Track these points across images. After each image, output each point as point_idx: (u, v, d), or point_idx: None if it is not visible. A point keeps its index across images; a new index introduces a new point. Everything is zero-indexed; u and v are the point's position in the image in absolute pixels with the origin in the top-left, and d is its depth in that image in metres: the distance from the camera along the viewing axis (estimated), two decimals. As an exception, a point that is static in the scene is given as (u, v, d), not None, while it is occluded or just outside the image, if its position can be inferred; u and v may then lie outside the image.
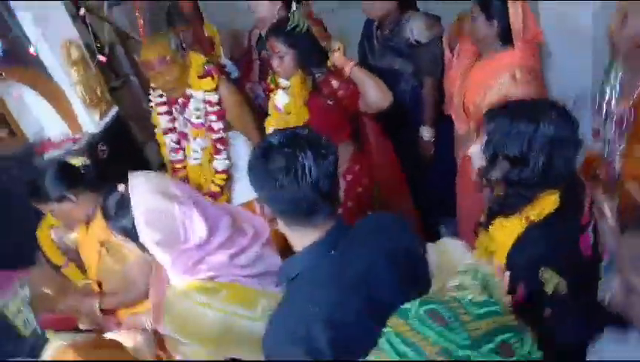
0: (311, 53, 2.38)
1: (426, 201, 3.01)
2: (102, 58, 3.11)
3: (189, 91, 2.61)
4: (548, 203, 1.53)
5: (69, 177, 2.22)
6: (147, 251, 1.68)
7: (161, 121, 2.77)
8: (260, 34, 3.05)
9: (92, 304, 2.25)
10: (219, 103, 2.61)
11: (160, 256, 1.67)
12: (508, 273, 1.28)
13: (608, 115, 2.22)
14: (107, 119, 3.20)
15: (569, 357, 1.42)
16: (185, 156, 2.76)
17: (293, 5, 2.47)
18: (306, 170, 1.24)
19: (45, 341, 1.62)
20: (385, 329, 0.96)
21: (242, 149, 2.74)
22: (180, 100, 2.66)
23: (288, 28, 2.35)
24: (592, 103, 2.37)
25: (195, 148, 2.70)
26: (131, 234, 1.67)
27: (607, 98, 2.23)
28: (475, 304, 0.93)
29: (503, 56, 2.37)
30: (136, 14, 3.21)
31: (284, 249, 1.56)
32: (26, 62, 2.88)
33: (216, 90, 2.59)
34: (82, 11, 3.04)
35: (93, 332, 2.25)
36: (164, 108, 2.75)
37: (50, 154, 2.92)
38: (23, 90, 2.96)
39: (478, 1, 2.36)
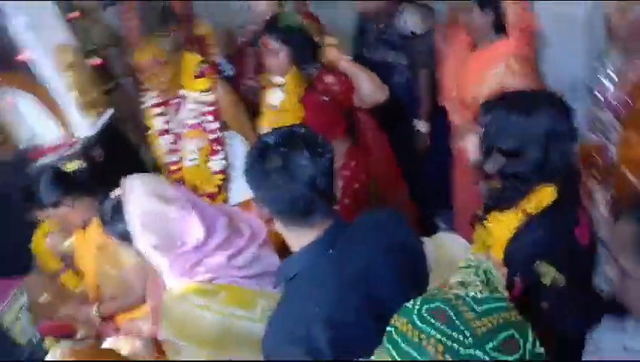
0: (304, 50, 2.36)
1: (422, 193, 3.01)
2: (96, 61, 3.10)
3: (182, 92, 2.60)
4: (545, 195, 1.52)
5: (65, 182, 2.22)
6: (144, 258, 1.67)
7: (156, 123, 2.75)
8: (255, 31, 3.03)
9: (90, 310, 2.25)
10: (214, 103, 2.59)
11: (157, 260, 1.66)
12: (505, 269, 1.27)
13: (603, 102, 2.22)
14: (102, 122, 3.18)
15: (568, 346, 1.42)
16: (181, 157, 2.74)
17: (287, 3, 2.46)
18: (303, 169, 1.23)
19: (42, 349, 1.62)
20: (388, 329, 0.95)
21: (239, 149, 2.72)
22: (175, 101, 2.65)
23: (281, 25, 2.33)
24: (587, 92, 2.37)
25: (191, 149, 2.68)
26: (128, 238, 1.66)
27: (602, 86, 2.23)
28: (478, 301, 0.92)
29: (498, 46, 2.37)
30: (130, 15, 3.20)
31: (282, 249, 1.55)
32: (17, 67, 2.87)
33: (211, 90, 2.58)
34: (74, 14, 3.03)
35: (92, 338, 2.24)
36: (158, 110, 2.73)
37: (46, 159, 2.90)
38: (16, 96, 2.94)
39: None
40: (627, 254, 1.15)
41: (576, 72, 2.73)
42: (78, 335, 2.27)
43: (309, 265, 1.31)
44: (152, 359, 1.90)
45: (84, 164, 2.38)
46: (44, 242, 2.55)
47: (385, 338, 0.96)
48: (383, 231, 1.39)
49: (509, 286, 1.24)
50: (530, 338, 0.91)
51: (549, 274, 1.41)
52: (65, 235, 2.42)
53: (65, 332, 2.28)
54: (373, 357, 0.99)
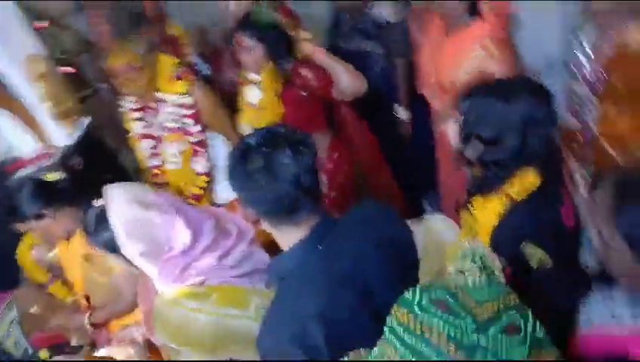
0: (279, 45, 2.35)
1: (408, 177, 3.02)
2: (68, 69, 3.04)
3: (160, 95, 2.57)
4: (528, 180, 1.52)
5: (46, 194, 2.19)
6: (132, 264, 1.65)
7: (135, 127, 2.72)
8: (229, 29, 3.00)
9: (81, 319, 2.22)
10: (193, 106, 2.56)
11: (146, 267, 1.64)
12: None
13: (580, 76, 2.23)
14: (79, 130, 3.13)
15: (560, 319, 1.43)
16: (163, 161, 2.71)
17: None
18: (286, 168, 1.23)
19: (38, 359, 1.60)
20: (388, 321, 0.95)
21: (221, 150, 2.70)
22: (153, 105, 2.61)
23: (255, 21, 2.31)
24: (563, 67, 2.38)
25: (172, 152, 2.65)
26: (114, 248, 1.64)
27: (577, 60, 2.24)
28: (477, 287, 0.92)
29: (474, 29, 2.36)
30: (98, 20, 3.15)
31: (271, 247, 1.54)
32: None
33: (189, 92, 2.55)
34: (42, 24, 2.97)
35: (86, 346, 2.22)
36: (137, 115, 2.70)
37: (25, 171, 2.85)
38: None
39: None
40: (604, 223, 1.17)
41: (552, 49, 2.74)
42: (72, 344, 2.26)
43: (299, 263, 1.30)
44: (147, 362, 1.89)
45: (64, 174, 2.34)
46: (30, 254, 2.52)
47: (386, 331, 0.95)
48: (371, 225, 1.39)
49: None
50: (531, 320, 0.92)
51: (535, 256, 1.42)
52: (49, 247, 2.39)
53: (57, 342, 2.27)
54: (375, 350, 0.99)
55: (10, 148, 3.01)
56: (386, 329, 0.96)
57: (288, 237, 1.32)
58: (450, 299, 0.91)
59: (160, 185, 2.70)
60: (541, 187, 1.52)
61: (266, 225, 1.34)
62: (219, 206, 2.65)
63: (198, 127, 2.59)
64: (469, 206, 1.64)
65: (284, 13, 2.55)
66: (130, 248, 1.60)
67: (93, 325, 2.22)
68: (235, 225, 1.79)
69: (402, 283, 1.09)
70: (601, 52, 2.15)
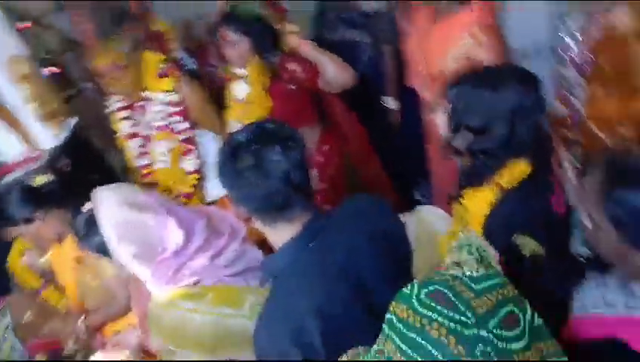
0: (265, 39, 2.33)
1: (397, 166, 3.01)
2: (52, 70, 3.00)
3: (147, 93, 2.54)
4: (518, 169, 1.52)
5: (35, 197, 2.17)
6: (124, 267, 1.63)
7: (123, 127, 2.69)
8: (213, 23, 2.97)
9: (76, 324, 2.21)
10: (181, 103, 2.54)
11: (139, 270, 1.63)
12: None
13: (567, 60, 2.23)
14: (66, 131, 3.10)
15: (555, 307, 1.44)
16: (152, 160, 2.69)
17: None
18: (276, 165, 1.23)
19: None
20: (387, 316, 0.95)
21: (211, 146, 2.68)
22: (140, 104, 2.59)
23: (239, 15, 2.29)
24: (551, 52, 2.37)
25: (161, 151, 2.63)
26: (106, 251, 1.63)
27: (565, 44, 2.24)
28: (475, 279, 0.92)
29: (461, 17, 2.35)
30: (81, 19, 3.10)
31: (263, 244, 1.54)
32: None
33: (176, 89, 2.52)
34: (25, 25, 2.92)
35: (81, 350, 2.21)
36: (124, 113, 2.67)
37: (12, 175, 2.82)
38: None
39: None
40: (594, 206, 1.19)
41: (540, 34, 2.74)
42: (67, 349, 2.24)
43: (293, 260, 1.30)
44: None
45: (52, 177, 2.31)
46: (21, 260, 2.50)
47: (385, 327, 0.95)
48: (364, 218, 1.38)
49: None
50: (529, 311, 0.92)
51: (527, 245, 1.42)
52: (41, 252, 2.37)
53: (53, 347, 2.25)
54: (375, 346, 0.98)
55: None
56: (385, 325, 0.95)
57: (281, 234, 1.31)
58: (448, 293, 0.90)
59: (149, 185, 2.68)
60: (531, 175, 1.51)
61: (258, 224, 1.33)
62: (210, 203, 2.64)
63: (187, 124, 2.57)
64: (461, 197, 1.64)
65: (270, 5, 2.52)
66: (122, 251, 1.59)
67: (88, 329, 2.21)
68: (228, 223, 1.78)
69: (395, 275, 1.09)
70: (589, 34, 2.14)
